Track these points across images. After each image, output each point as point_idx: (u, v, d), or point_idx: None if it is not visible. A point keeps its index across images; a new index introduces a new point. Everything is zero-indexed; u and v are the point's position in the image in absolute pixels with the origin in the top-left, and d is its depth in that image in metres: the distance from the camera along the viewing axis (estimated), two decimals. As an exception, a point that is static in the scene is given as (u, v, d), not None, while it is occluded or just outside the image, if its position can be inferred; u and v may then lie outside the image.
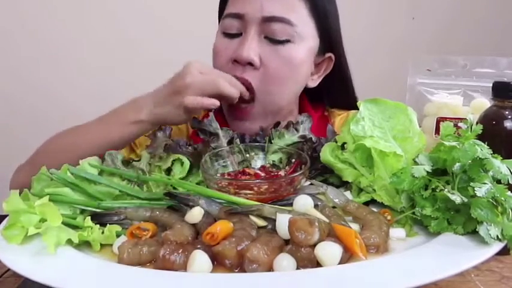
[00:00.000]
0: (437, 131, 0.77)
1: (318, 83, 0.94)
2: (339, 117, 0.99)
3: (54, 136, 0.88)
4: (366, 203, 0.63)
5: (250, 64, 0.82)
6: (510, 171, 0.54)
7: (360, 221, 0.58)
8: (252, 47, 0.82)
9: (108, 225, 0.56)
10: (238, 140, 0.73)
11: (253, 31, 0.83)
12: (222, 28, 0.87)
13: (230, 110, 0.87)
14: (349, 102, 0.95)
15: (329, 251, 0.48)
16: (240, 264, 0.49)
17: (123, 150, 0.95)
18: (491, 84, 0.66)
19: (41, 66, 2.01)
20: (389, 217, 0.58)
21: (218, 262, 0.50)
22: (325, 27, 0.89)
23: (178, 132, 0.99)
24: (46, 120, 1.83)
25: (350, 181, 0.65)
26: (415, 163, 0.59)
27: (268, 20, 0.82)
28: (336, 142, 0.67)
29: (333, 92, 0.99)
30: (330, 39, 0.91)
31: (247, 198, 0.59)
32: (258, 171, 0.68)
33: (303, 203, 0.57)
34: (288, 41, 0.83)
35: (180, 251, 0.49)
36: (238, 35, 0.85)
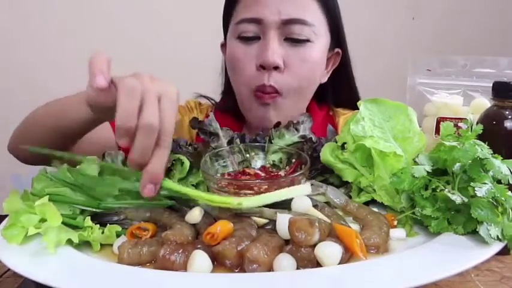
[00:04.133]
0: (437, 131, 0.77)
1: (327, 78, 0.96)
2: (343, 117, 1.00)
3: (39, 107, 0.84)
4: (366, 203, 0.63)
5: (275, 68, 0.84)
6: (510, 171, 0.54)
7: (360, 221, 0.58)
8: (276, 51, 0.83)
9: (108, 225, 0.56)
10: (238, 140, 0.73)
11: (273, 34, 0.84)
12: (236, 33, 0.87)
13: (257, 95, 0.86)
14: (353, 99, 0.96)
15: (329, 251, 0.47)
16: (240, 264, 0.49)
17: None
18: (491, 84, 0.66)
19: (41, 66, 2.01)
20: (395, 222, 0.58)
21: (218, 262, 0.50)
22: (335, 22, 0.92)
23: (181, 131, 1.00)
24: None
25: (350, 181, 0.65)
26: (415, 163, 0.59)
27: (287, 22, 0.84)
28: (336, 142, 0.67)
29: (338, 88, 1.01)
30: (338, 34, 0.94)
31: (247, 198, 0.59)
32: (258, 171, 0.68)
33: (301, 204, 0.57)
34: (307, 40, 0.85)
35: (180, 251, 0.49)
36: (255, 38, 0.86)
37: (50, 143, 0.76)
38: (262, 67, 0.84)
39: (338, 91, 1.01)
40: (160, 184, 0.52)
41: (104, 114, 0.60)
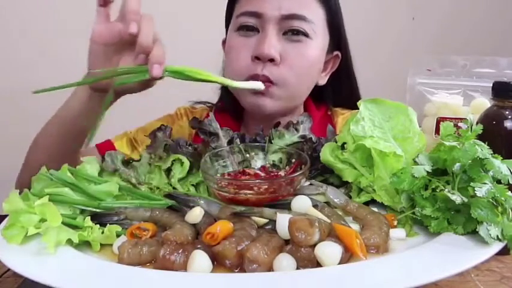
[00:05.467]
0: (437, 131, 0.77)
1: (326, 81, 0.96)
2: (341, 117, 1.00)
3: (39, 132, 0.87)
4: (366, 203, 0.63)
5: (271, 60, 0.84)
6: (510, 171, 0.54)
7: (360, 221, 0.58)
8: (273, 44, 0.84)
9: (108, 225, 0.56)
10: (238, 140, 0.73)
11: (272, 28, 0.85)
12: (236, 25, 0.88)
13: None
14: (354, 100, 0.96)
15: (329, 251, 0.48)
16: (240, 264, 0.49)
17: (125, 147, 0.96)
18: (491, 84, 0.66)
19: (41, 66, 2.01)
20: (395, 222, 0.58)
21: (218, 262, 0.50)
22: (336, 24, 0.92)
23: (180, 131, 0.99)
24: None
25: (350, 181, 0.65)
26: (415, 163, 0.59)
27: (287, 17, 0.84)
28: (336, 142, 0.67)
29: (340, 90, 1.01)
30: (339, 37, 0.94)
31: (247, 199, 0.59)
32: (258, 171, 0.68)
33: (301, 204, 0.57)
34: (306, 35, 0.86)
35: (180, 251, 0.49)
36: (254, 29, 0.86)
37: (60, 151, 0.78)
38: (258, 58, 0.84)
39: (340, 93, 1.01)
40: (164, 66, 0.65)
41: (103, 59, 0.74)
